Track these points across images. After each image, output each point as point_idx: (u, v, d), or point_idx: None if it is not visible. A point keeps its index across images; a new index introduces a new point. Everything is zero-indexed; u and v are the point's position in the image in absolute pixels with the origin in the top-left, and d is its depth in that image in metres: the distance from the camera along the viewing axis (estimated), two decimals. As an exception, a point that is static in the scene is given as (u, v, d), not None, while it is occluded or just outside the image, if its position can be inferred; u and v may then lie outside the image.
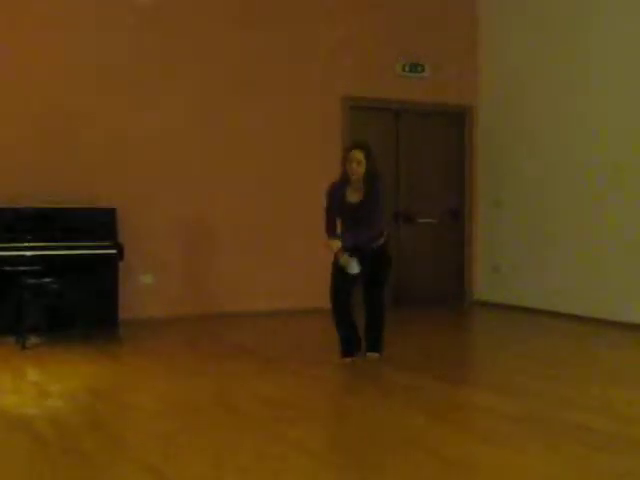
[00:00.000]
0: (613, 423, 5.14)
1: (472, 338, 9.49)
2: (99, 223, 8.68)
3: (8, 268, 8.14)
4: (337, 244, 6.78)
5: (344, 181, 6.92)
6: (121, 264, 8.66)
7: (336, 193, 6.95)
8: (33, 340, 7.98)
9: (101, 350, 7.69)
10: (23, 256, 8.15)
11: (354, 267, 6.74)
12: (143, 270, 9.30)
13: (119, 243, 8.57)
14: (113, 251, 8.46)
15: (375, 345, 7.06)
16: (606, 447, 4.64)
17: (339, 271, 6.83)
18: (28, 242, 8.23)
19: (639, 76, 8.97)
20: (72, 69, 8.99)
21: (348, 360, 6.92)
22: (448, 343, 8.49)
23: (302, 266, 10.05)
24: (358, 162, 6.75)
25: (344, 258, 6.74)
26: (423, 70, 10.82)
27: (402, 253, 10.77)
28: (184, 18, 9.53)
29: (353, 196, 6.88)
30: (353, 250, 6.76)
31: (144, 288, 9.32)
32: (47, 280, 8.00)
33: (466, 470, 4.27)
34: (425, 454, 4.48)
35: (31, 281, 7.94)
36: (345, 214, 6.94)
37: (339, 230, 7.05)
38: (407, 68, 10.73)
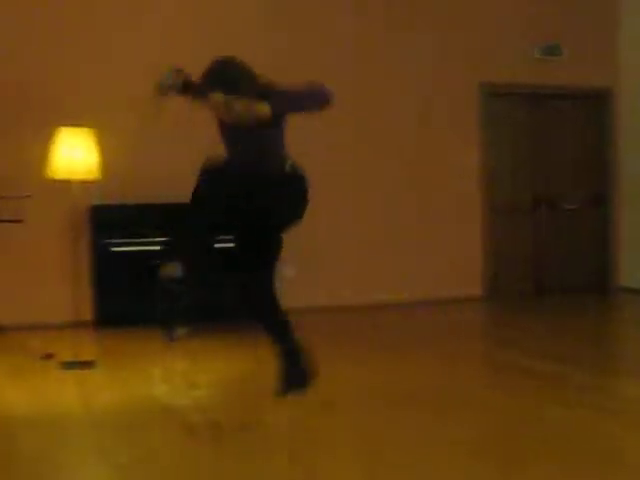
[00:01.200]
0: None
1: (616, 326, 9.25)
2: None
3: (155, 262, 8.33)
4: None
5: None
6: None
7: None
8: (181, 332, 8.16)
9: (247, 342, 7.82)
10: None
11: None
12: (286, 262, 9.35)
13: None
14: (254, 243, 8.56)
15: None
16: None
17: None
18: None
19: None
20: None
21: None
22: (597, 332, 8.30)
23: (445, 255, 10.00)
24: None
25: None
26: (560, 53, 10.57)
27: (544, 240, 10.59)
28: (331, 17, 9.60)
29: None
30: None
31: (287, 280, 9.40)
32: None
33: (616, 464, 4.19)
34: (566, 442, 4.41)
35: (177, 274, 8.12)
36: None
37: None
38: (544, 51, 10.50)
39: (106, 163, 7.40)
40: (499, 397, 5.59)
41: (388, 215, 9.89)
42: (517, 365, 6.56)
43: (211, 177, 4.78)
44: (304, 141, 9.42)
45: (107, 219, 8.48)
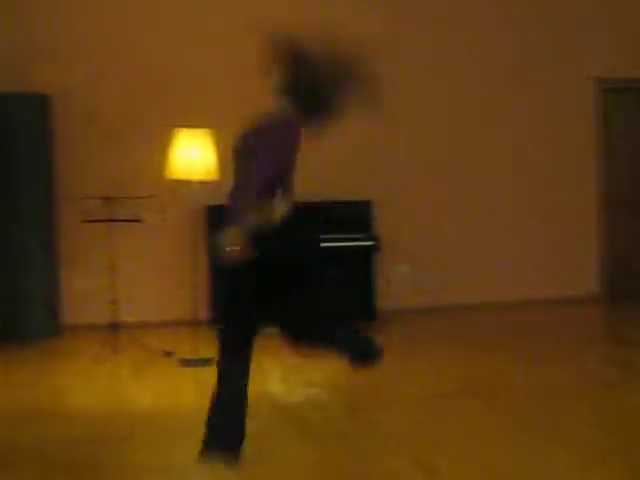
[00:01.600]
0: None
1: None
2: (355, 216, 8.85)
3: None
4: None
5: None
6: (378, 255, 8.80)
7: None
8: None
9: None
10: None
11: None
12: (399, 261, 9.36)
13: (375, 235, 8.69)
14: (370, 243, 8.60)
15: None
16: None
17: None
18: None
19: None
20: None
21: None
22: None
23: (562, 253, 9.83)
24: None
25: None
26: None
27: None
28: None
29: None
30: None
31: (401, 279, 9.39)
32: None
33: None
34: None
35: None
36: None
37: None
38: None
39: (226, 164, 7.50)
40: (621, 396, 5.47)
41: (503, 213, 9.75)
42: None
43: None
44: (425, 142, 9.47)
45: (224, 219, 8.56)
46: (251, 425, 5.01)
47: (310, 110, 4.19)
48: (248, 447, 4.53)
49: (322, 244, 8.45)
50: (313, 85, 4.11)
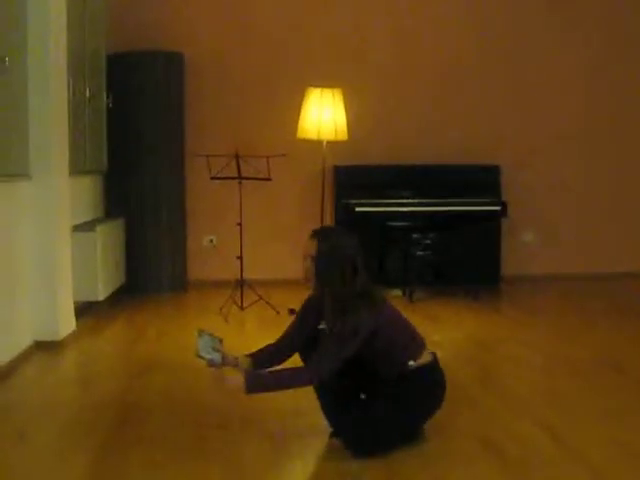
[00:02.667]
0: None
1: None
2: (483, 180, 8.77)
3: (394, 223, 8.44)
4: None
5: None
6: (504, 221, 8.70)
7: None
8: (419, 293, 8.22)
9: (483, 304, 7.80)
10: (407, 212, 8.40)
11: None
12: (525, 228, 9.22)
13: (503, 200, 8.58)
14: (497, 208, 8.49)
15: None
16: None
17: None
18: (412, 198, 8.47)
19: None
20: (453, 31, 9.09)
21: None
22: None
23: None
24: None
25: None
26: None
27: None
28: None
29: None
30: None
31: (525, 246, 9.26)
32: (431, 235, 8.19)
33: None
34: None
35: (416, 236, 8.18)
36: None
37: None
38: None
39: (353, 124, 7.51)
40: None
41: (615, 186, 9.46)
42: None
43: None
44: (556, 109, 9.27)
45: (352, 179, 8.61)
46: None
47: None
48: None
49: (448, 207, 8.42)
50: None
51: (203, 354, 3.86)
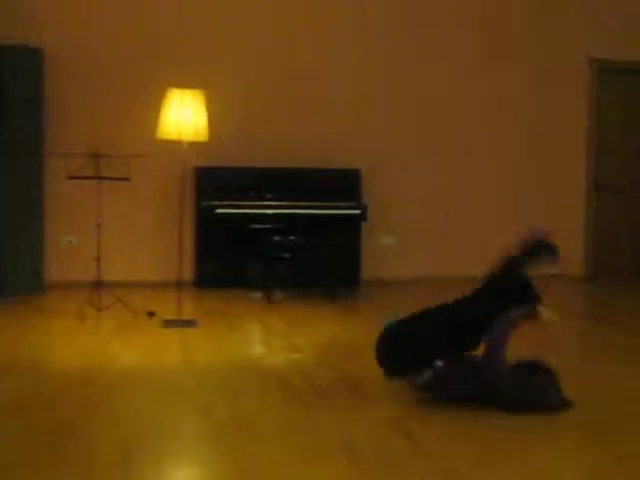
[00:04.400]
0: None
1: None
2: (343, 184, 8.87)
3: (255, 225, 8.47)
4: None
5: None
6: (364, 225, 8.83)
7: None
8: (279, 295, 8.26)
9: (343, 307, 7.87)
10: (268, 214, 8.44)
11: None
12: (385, 231, 9.38)
13: (363, 204, 8.70)
14: (356, 211, 8.61)
15: None
16: None
17: None
18: (273, 201, 8.52)
19: None
20: (317, 35, 9.17)
21: None
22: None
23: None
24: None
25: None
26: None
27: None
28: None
29: None
30: None
31: (385, 249, 9.41)
32: (292, 238, 8.24)
33: None
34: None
35: (277, 238, 8.21)
36: None
37: None
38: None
39: (214, 125, 7.49)
40: (596, 371, 5.51)
41: (492, 186, 9.74)
42: (617, 344, 6.47)
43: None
44: (415, 115, 9.45)
45: (213, 181, 8.59)
46: (233, 386, 5.07)
47: None
48: (229, 407, 4.57)
49: (309, 210, 8.50)
50: None
51: None
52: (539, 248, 5.18)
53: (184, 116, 6.85)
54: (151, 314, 7.09)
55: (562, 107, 9.93)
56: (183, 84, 7.38)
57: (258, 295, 8.20)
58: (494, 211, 9.71)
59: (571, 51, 9.88)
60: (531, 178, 9.81)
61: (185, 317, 6.89)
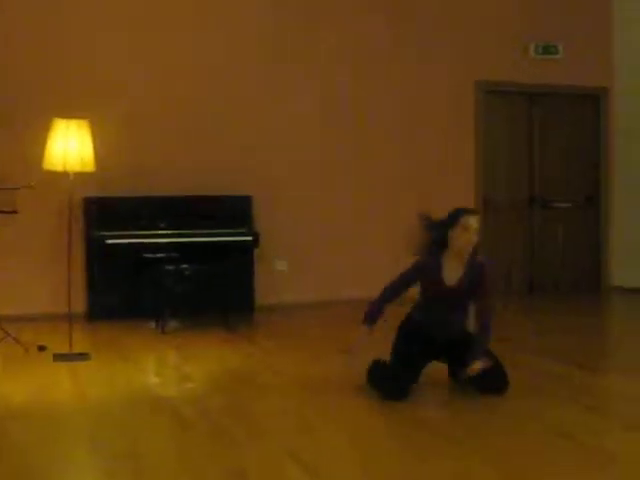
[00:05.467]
0: None
1: (611, 324, 9.30)
2: (235, 210, 8.88)
3: (147, 255, 8.41)
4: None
5: (438, 254, 5.52)
6: (257, 250, 8.85)
7: (429, 271, 5.51)
8: (172, 324, 8.21)
9: (238, 334, 7.86)
10: (161, 243, 8.40)
11: None
12: (278, 257, 9.42)
13: (255, 230, 8.73)
14: (249, 238, 8.63)
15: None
16: None
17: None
18: (165, 229, 8.48)
19: None
20: (205, 63, 9.18)
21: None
22: (587, 329, 8.32)
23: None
24: (476, 231, 5.41)
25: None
26: (557, 52, 10.59)
27: (537, 239, 10.65)
28: (319, 11, 9.61)
29: (451, 276, 5.46)
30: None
31: (279, 274, 9.45)
32: (185, 266, 8.20)
33: (606, 457, 4.22)
34: (566, 440, 4.44)
35: (169, 267, 8.16)
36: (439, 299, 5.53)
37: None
38: (540, 50, 10.52)
39: (102, 155, 7.42)
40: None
41: (381, 211, 9.88)
42: (510, 360, 6.60)
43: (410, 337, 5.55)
44: (301, 145, 9.54)
45: (102, 211, 8.51)
46: (127, 418, 5.02)
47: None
48: (123, 440, 4.52)
49: (202, 239, 8.48)
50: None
51: None
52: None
53: (70, 146, 6.76)
54: (42, 348, 6.96)
55: (450, 127, 10.15)
56: (70, 114, 7.29)
57: (152, 325, 8.14)
58: (383, 234, 9.82)
59: (458, 73, 10.13)
60: (420, 200, 9.94)
61: (77, 350, 6.78)
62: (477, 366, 5.21)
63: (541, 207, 10.69)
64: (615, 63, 10.85)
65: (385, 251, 9.75)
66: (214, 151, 9.17)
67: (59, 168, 6.84)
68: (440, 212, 9.58)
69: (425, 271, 5.48)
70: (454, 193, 10.10)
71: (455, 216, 5.41)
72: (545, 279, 10.69)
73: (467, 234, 5.31)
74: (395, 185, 9.95)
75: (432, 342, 5.49)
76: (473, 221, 5.33)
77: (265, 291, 9.20)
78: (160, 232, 8.45)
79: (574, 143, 10.89)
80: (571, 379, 5.98)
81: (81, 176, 7.20)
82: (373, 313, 5.55)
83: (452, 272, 5.41)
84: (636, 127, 10.59)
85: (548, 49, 10.53)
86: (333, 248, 9.70)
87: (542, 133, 10.72)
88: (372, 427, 4.81)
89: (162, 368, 6.52)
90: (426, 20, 10.01)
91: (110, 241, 8.24)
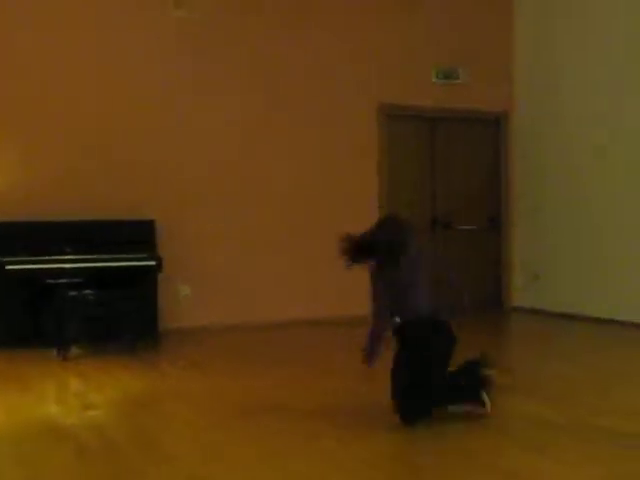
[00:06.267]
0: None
1: (512, 344, 9.45)
2: (138, 235, 8.77)
3: (49, 281, 8.24)
4: None
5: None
6: (161, 275, 8.74)
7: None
8: (75, 351, 8.05)
9: (142, 360, 7.75)
10: (63, 268, 8.24)
11: None
12: (182, 281, 9.34)
13: (158, 255, 8.63)
14: (152, 263, 8.54)
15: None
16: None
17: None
18: (68, 255, 8.32)
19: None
20: (106, 82, 9.08)
21: None
22: (487, 349, 8.42)
23: (339, 274, 10.07)
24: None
25: None
26: (458, 77, 10.79)
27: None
28: (216, 30, 9.58)
29: None
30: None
31: (184, 299, 9.36)
32: (87, 292, 8.06)
33: (505, 478, 4.27)
34: (464, 459, 4.48)
35: (72, 293, 8.01)
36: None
37: None
38: (442, 75, 10.70)
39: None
40: (374, 409, 5.63)
41: (286, 234, 9.90)
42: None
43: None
44: (206, 169, 9.49)
45: (1, 237, 8.32)
46: (28, 448, 4.88)
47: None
48: (23, 470, 4.40)
49: (105, 264, 8.35)
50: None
51: None
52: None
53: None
54: None
55: (354, 150, 10.26)
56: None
57: (53, 353, 7.97)
58: (287, 256, 9.85)
59: (361, 96, 10.21)
60: (324, 223, 10.00)
61: None
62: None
63: (443, 229, 10.83)
64: (515, 87, 11.10)
65: (289, 274, 9.80)
66: (118, 175, 9.06)
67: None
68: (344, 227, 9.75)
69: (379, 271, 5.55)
70: (357, 215, 10.16)
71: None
72: (448, 302, 10.74)
73: None
74: (300, 207, 9.98)
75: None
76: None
77: (170, 316, 9.10)
78: (62, 257, 8.29)
79: (476, 166, 11.09)
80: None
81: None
82: (374, 347, 5.50)
83: None
84: (535, 150, 10.83)
85: (449, 74, 10.72)
86: (239, 272, 9.68)
87: (444, 156, 10.90)
88: (283, 450, 4.76)
89: (63, 396, 6.36)
90: (331, 44, 10.10)
91: (9, 267, 8.05)
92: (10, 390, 6.48)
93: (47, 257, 8.25)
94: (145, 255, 8.58)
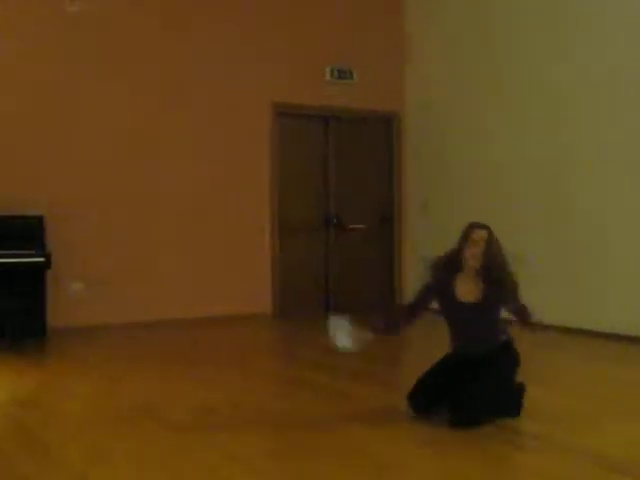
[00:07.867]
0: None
1: (405, 341, 9.57)
2: (26, 231, 8.57)
3: None
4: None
5: (452, 270, 5.52)
6: (50, 272, 8.57)
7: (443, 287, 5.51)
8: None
9: (29, 359, 7.59)
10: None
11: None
12: (73, 279, 9.18)
13: (47, 251, 8.46)
14: (40, 259, 8.36)
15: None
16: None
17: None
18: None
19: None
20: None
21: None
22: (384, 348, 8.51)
23: (238, 272, 10.09)
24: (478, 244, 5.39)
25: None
26: (351, 76, 10.87)
27: (333, 260, 10.83)
28: (114, 23, 9.45)
29: (465, 292, 5.44)
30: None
31: (74, 296, 9.20)
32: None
33: (401, 474, 4.32)
34: (360, 458, 4.53)
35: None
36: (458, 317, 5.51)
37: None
38: (335, 74, 10.77)
39: None
40: (290, 409, 5.66)
41: (179, 232, 9.84)
42: (304, 380, 6.69)
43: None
44: (98, 163, 9.35)
45: None
46: None
47: None
48: None
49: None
50: None
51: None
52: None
53: None
54: None
55: (246, 148, 10.25)
56: None
57: None
58: (181, 254, 9.80)
59: (253, 94, 10.20)
60: (217, 221, 10.00)
61: None
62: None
63: (336, 228, 10.89)
64: (406, 88, 11.24)
65: (183, 272, 9.75)
66: (5, 168, 8.85)
67: None
68: (234, 231, 9.74)
69: (438, 290, 5.53)
70: (249, 214, 10.20)
71: (465, 232, 5.46)
72: (342, 300, 10.83)
73: (472, 248, 5.35)
74: (193, 206, 9.92)
75: (463, 362, 5.46)
76: (476, 235, 5.38)
77: (60, 314, 8.91)
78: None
79: (369, 165, 11.19)
80: (357, 396, 6.14)
81: None
82: (388, 323, 5.89)
83: (466, 288, 5.43)
84: (425, 148, 10.98)
85: (343, 74, 10.79)
86: (132, 269, 9.57)
87: (337, 155, 10.96)
88: (172, 452, 4.72)
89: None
90: (227, 42, 10.05)
91: None
92: None
93: None
94: (33, 252, 8.40)
